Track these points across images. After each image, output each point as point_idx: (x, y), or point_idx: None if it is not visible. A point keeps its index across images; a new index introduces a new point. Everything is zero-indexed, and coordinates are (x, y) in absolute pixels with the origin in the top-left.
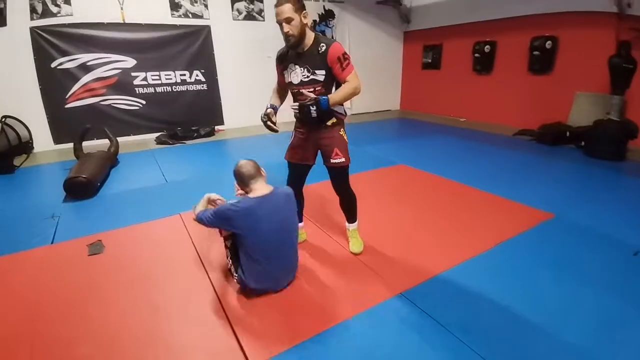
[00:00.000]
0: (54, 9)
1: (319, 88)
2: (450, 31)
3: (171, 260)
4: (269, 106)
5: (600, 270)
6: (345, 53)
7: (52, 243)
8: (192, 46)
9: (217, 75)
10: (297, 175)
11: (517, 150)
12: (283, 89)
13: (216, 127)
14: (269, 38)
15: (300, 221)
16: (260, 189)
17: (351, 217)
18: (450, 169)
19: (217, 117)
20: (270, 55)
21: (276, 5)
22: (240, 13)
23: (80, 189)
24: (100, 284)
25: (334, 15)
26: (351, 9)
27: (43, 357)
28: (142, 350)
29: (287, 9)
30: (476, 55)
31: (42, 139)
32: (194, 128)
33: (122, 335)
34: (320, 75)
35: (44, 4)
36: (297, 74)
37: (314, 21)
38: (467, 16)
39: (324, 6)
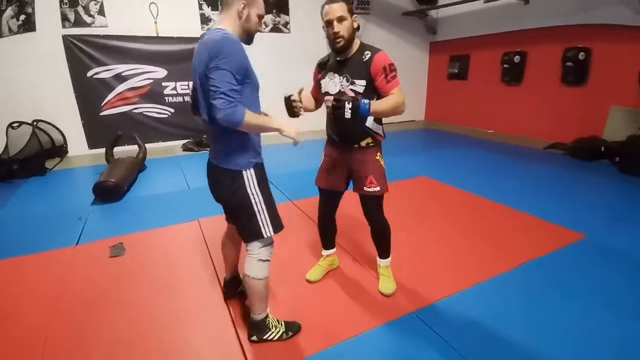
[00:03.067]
0: (88, 19)
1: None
2: (478, 41)
3: (186, 266)
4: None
5: (634, 298)
6: (392, 64)
7: (76, 244)
8: None
9: None
10: (327, 202)
11: (548, 165)
12: (315, 99)
13: None
14: (293, 50)
15: (333, 247)
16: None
17: (383, 251)
18: (474, 182)
19: None
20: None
21: (327, 3)
22: (266, 25)
23: (108, 192)
24: (118, 286)
25: (359, 26)
26: (376, 20)
27: (54, 355)
28: (151, 354)
29: (340, 7)
30: (505, 65)
31: (77, 143)
32: (205, 136)
33: (132, 337)
34: (360, 85)
35: (77, 13)
36: (335, 83)
37: None
38: (496, 26)
39: None
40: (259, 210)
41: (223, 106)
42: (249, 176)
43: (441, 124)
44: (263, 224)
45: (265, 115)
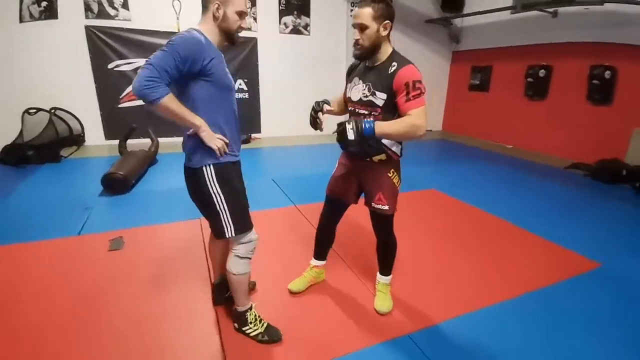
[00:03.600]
0: (111, 12)
1: (375, 114)
2: (502, 53)
3: (180, 266)
4: (324, 100)
5: None
6: (419, 81)
7: (78, 234)
8: (238, 56)
9: (259, 85)
10: (332, 212)
11: (567, 185)
12: (344, 102)
13: (252, 135)
14: (312, 52)
15: (324, 259)
16: None
17: (385, 268)
18: (487, 199)
19: (255, 125)
20: None
21: (357, 6)
22: (287, 27)
23: (116, 184)
24: (111, 282)
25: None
26: (398, 26)
27: (47, 344)
28: (131, 355)
29: (366, 14)
30: (529, 79)
31: (94, 133)
32: None
33: (115, 336)
34: (380, 98)
35: (100, 4)
36: (358, 90)
37: None
38: (522, 38)
39: None
40: (220, 210)
41: (145, 75)
42: (209, 174)
43: (458, 135)
44: (225, 224)
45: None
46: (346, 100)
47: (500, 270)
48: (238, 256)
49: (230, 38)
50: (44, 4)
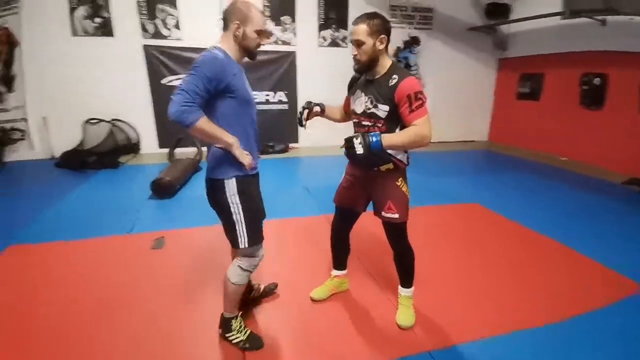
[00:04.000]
0: (165, 32)
1: (379, 125)
2: (554, 59)
3: (213, 268)
4: (319, 103)
5: None
6: (420, 92)
7: (127, 233)
8: (278, 70)
9: (297, 97)
10: (342, 221)
11: (622, 202)
12: (345, 111)
13: (290, 145)
14: (350, 63)
15: (345, 269)
16: None
17: (405, 279)
18: (534, 215)
19: (292, 135)
20: None
21: (353, 23)
22: (325, 40)
23: (162, 189)
24: (147, 278)
25: (419, 42)
26: (439, 35)
27: (92, 322)
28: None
29: (361, 31)
30: (584, 87)
31: (149, 142)
32: (269, 144)
33: (137, 334)
34: (383, 110)
35: (156, 27)
36: (361, 103)
37: (398, 48)
38: (574, 45)
39: (408, 33)
40: (237, 221)
41: (179, 100)
42: (230, 186)
43: (506, 146)
44: (240, 235)
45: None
46: (347, 111)
47: (540, 292)
48: (241, 267)
49: (250, 55)
50: (97, 20)
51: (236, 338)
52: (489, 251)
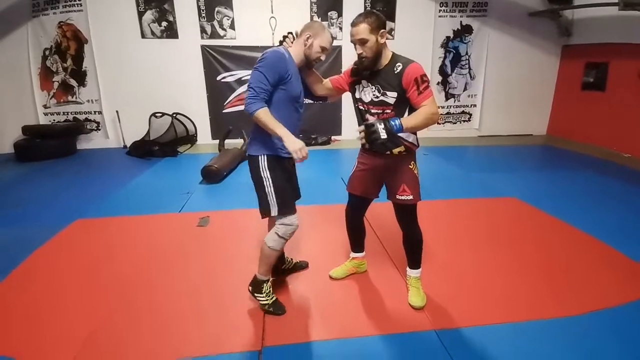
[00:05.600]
0: (221, 32)
1: (388, 111)
2: (620, 49)
3: (250, 242)
4: None
5: None
6: (424, 75)
7: (179, 212)
8: (325, 64)
9: None
10: (356, 207)
11: None
12: (334, 87)
13: (333, 137)
14: None
15: (362, 251)
16: None
17: (413, 262)
18: (579, 213)
19: (336, 128)
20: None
21: (352, 25)
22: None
23: (211, 175)
24: (195, 249)
25: (472, 30)
26: (494, 23)
27: (140, 286)
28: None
29: (363, 30)
30: None
31: (204, 133)
32: (313, 136)
33: (175, 296)
34: (391, 97)
35: (213, 27)
36: (367, 92)
37: (447, 37)
38: (635, 36)
39: (461, 22)
40: (268, 192)
41: (247, 96)
42: (263, 161)
43: (566, 140)
44: (271, 204)
45: None
46: (338, 86)
47: (566, 286)
48: (277, 234)
49: (309, 63)
50: (164, 24)
51: (263, 300)
52: (519, 243)
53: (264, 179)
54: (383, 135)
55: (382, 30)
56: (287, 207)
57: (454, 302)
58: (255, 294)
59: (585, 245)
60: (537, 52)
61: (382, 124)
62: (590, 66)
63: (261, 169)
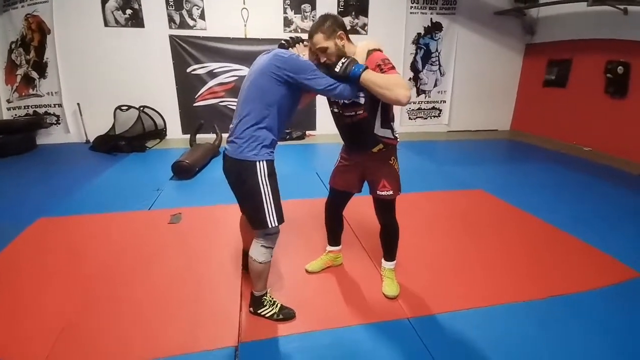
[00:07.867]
0: (191, 22)
1: (360, 112)
2: (583, 45)
3: (223, 241)
4: None
5: None
6: (387, 59)
7: (149, 209)
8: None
9: None
10: (337, 201)
11: (637, 194)
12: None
13: (307, 132)
14: None
15: (339, 244)
16: None
17: (389, 254)
18: (542, 204)
19: (310, 122)
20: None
21: (308, 36)
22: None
23: (183, 171)
24: (165, 248)
25: (442, 27)
26: (463, 20)
27: (111, 285)
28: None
29: (319, 39)
30: (609, 75)
31: (174, 128)
32: (287, 130)
33: (154, 293)
34: (361, 97)
35: (182, 17)
36: None
37: (418, 34)
38: (600, 31)
39: (431, 19)
40: (266, 201)
41: (334, 91)
42: (262, 167)
43: (529, 135)
44: (269, 214)
45: None
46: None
47: (529, 273)
48: (264, 246)
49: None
50: (128, 11)
51: (269, 311)
52: (482, 232)
53: (262, 187)
54: (336, 68)
55: (340, 32)
56: (282, 216)
57: (426, 291)
58: (258, 311)
59: (546, 234)
60: (503, 50)
61: (347, 61)
62: (552, 64)
63: (259, 177)
